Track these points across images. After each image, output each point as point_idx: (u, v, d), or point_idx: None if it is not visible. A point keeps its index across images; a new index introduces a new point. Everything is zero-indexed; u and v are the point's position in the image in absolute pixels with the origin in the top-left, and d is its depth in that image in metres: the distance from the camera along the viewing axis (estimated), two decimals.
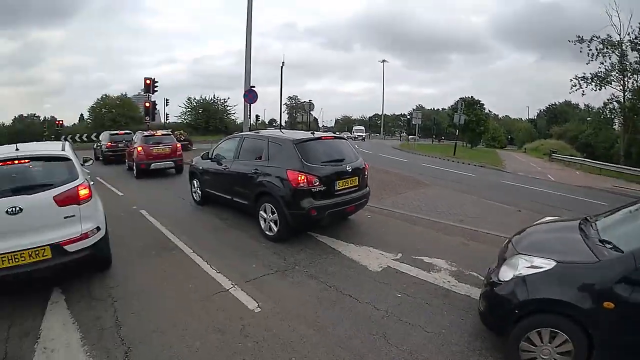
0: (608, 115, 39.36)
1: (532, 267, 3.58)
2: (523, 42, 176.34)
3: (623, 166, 29.19)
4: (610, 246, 3.57)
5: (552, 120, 76.05)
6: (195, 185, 9.22)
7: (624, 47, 33.90)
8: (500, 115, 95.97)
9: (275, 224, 6.33)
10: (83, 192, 4.76)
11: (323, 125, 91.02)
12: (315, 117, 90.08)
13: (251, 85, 16.58)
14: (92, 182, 5.45)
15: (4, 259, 4.21)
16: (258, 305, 4.45)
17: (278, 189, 6.21)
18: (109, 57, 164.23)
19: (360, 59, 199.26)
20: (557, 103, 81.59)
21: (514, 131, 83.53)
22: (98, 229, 4.88)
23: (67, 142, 5.97)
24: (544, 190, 16.21)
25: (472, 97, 52.68)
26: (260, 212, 6.63)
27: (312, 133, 7.05)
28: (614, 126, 39.93)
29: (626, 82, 34.76)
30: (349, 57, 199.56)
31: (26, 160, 4.73)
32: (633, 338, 3.24)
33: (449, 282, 5.20)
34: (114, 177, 14.42)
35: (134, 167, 14.62)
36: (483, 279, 4.29)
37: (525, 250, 3.91)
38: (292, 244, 6.06)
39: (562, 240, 4.11)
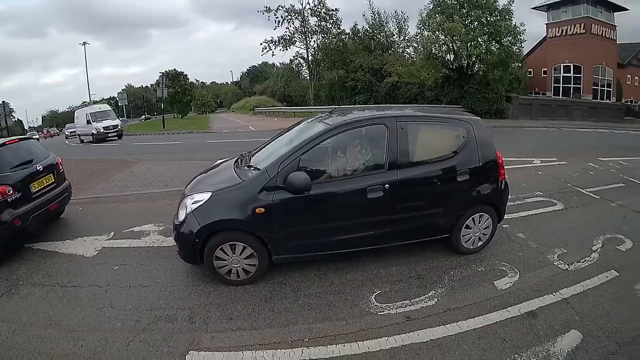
0: (295, 69, 46.79)
1: (195, 202, 4.55)
2: (220, 13, 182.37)
3: (313, 107, 36.38)
4: (253, 168, 4.77)
5: (254, 80, 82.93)
6: None
7: (305, 15, 41.22)
8: (207, 82, 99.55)
9: None
10: None
11: (30, 127, 79.35)
12: (18, 119, 77.55)
13: None
14: None
15: None
16: None
17: None
18: None
19: (59, 45, 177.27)
20: (257, 65, 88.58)
21: (222, 94, 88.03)
22: None
23: None
24: (244, 140, 18.44)
25: (174, 69, 53.13)
26: None
27: None
28: (306, 77, 46.80)
29: (308, 42, 42.65)
30: (47, 44, 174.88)
31: None
32: (288, 228, 4.52)
33: (158, 240, 6.04)
34: None
35: None
36: None
37: (190, 191, 4.89)
38: (10, 263, 5.69)
39: (219, 175, 5.25)
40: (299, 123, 6.00)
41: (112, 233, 6.42)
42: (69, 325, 4.14)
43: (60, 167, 7.06)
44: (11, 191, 5.72)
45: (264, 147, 5.69)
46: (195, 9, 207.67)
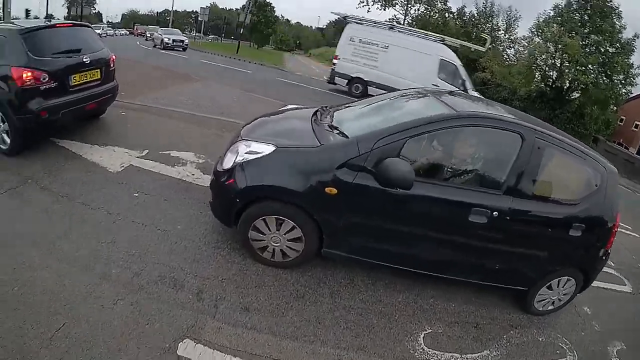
0: None
1: (251, 152, 3.52)
2: None
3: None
4: (338, 132, 3.65)
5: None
6: None
7: None
8: (292, 22, 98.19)
9: (8, 134, 5.15)
10: None
11: (108, 21, 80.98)
12: (98, 12, 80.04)
13: None
14: None
15: None
16: None
17: (3, 91, 4.99)
18: None
19: None
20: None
21: (303, 37, 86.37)
22: None
23: None
24: (315, 88, 17.14)
25: None
26: None
27: (48, 20, 5.87)
28: None
29: (409, 8, 39.29)
30: None
31: None
32: (357, 223, 3.47)
33: (192, 174, 5.18)
34: None
35: None
36: None
37: (249, 135, 3.83)
38: (29, 155, 5.14)
39: (292, 126, 4.17)
40: (403, 94, 4.80)
41: (146, 151, 5.66)
42: (60, 253, 3.46)
43: (112, 65, 6.31)
44: (46, 79, 5.04)
45: (352, 107, 4.57)
46: None
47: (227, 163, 3.61)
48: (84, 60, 5.59)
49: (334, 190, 3.29)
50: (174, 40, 27.92)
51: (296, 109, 4.99)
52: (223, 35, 64.56)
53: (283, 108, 5.16)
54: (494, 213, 3.40)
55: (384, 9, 40.30)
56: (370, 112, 4.31)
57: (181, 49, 27.58)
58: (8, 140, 5.13)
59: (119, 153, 5.51)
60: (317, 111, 4.37)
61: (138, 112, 7.72)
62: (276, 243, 3.63)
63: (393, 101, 4.58)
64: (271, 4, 52.71)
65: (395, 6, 39.82)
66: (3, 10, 12.99)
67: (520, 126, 3.55)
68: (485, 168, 3.70)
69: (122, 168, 5.12)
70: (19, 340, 2.58)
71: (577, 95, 27.08)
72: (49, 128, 5.53)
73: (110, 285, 3.18)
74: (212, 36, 65.91)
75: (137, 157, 5.47)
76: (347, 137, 3.52)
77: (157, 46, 28.30)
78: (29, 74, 4.89)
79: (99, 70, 5.90)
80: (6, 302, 2.84)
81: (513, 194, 3.47)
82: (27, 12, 32.69)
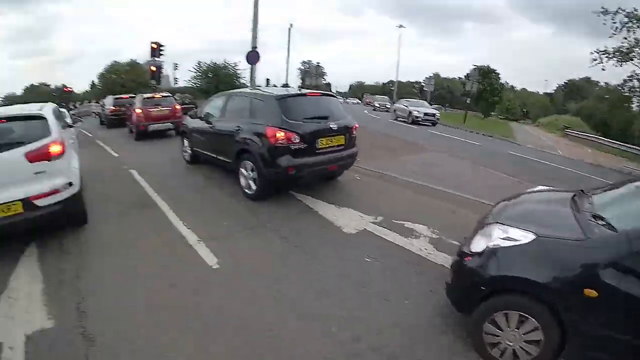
0: (627, 94, 37.48)
1: (508, 238, 3.17)
2: (538, 14, 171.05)
3: (638, 148, 27.03)
4: (603, 223, 3.07)
5: (569, 96, 73.80)
6: (185, 144, 9.11)
7: None
8: (517, 88, 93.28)
9: (255, 182, 6.21)
10: (54, 148, 4.73)
11: (337, 91, 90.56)
12: (328, 82, 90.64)
13: (254, 46, 16.09)
14: (72, 140, 5.84)
15: None
16: (217, 262, 4.38)
17: (257, 146, 6.02)
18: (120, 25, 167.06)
19: (374, 26, 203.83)
20: (576, 79, 78.70)
21: (529, 104, 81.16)
22: (70, 184, 4.85)
23: (52, 105, 5.96)
24: (550, 164, 15.39)
25: (487, 66, 50.55)
26: (241, 169, 6.49)
27: (299, 89, 6.87)
28: (632, 106, 37.91)
29: None
30: (363, 23, 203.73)
31: (2, 120, 4.76)
32: (614, 335, 2.80)
33: (425, 249, 4.92)
34: (114, 139, 14.39)
35: (133, 129, 14.76)
36: None
37: (504, 219, 3.49)
38: (269, 203, 5.94)
39: (549, 211, 3.68)
40: None
41: (381, 218, 5.72)
42: (285, 297, 3.80)
43: (354, 132, 6.77)
44: (297, 140, 5.79)
45: (613, 192, 3.86)
46: (511, 5, 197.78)
47: (478, 246, 3.33)
48: (331, 126, 6.19)
49: (594, 293, 2.71)
50: (425, 114, 24.33)
51: (548, 190, 4.52)
52: (447, 105, 65.08)
53: (533, 189, 4.70)
54: None
55: (620, 65, 34.33)
56: (634, 198, 3.56)
57: (430, 124, 24.07)
58: (254, 187, 6.19)
59: (353, 215, 5.75)
60: (574, 195, 3.82)
61: (372, 178, 8.08)
62: (511, 342, 3.11)
63: None
64: (495, 70, 50.92)
65: (632, 60, 33.64)
66: (251, 79, 16.56)
67: None
68: None
69: (356, 231, 5.28)
70: None
71: None
72: (292, 183, 6.34)
73: (326, 341, 3.20)
74: (436, 106, 67.20)
75: (371, 222, 5.58)
76: (615, 230, 2.92)
77: (400, 119, 25.61)
78: (282, 134, 5.72)
79: (343, 136, 6.42)
80: (224, 331, 3.29)
81: None
82: (267, 81, 39.48)
